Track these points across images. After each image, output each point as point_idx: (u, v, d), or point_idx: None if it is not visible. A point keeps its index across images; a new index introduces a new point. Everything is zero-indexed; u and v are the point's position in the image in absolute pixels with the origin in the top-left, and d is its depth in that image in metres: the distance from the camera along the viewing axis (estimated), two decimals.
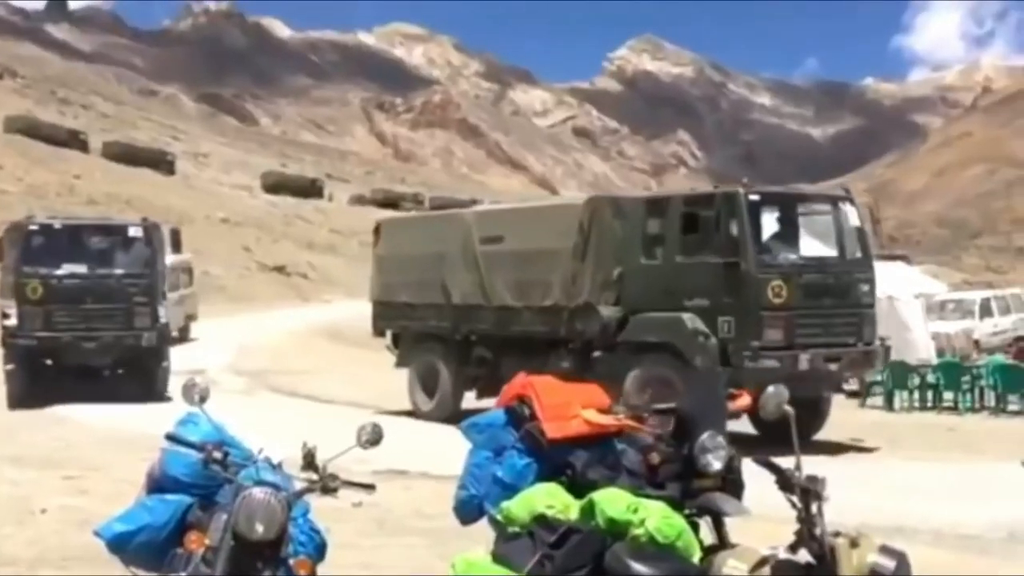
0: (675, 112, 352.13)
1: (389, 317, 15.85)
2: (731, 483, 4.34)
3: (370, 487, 3.96)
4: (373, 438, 3.97)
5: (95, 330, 15.82)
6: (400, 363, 15.51)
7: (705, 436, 4.27)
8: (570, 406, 4.53)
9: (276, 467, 4.04)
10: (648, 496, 4.09)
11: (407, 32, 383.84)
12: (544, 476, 4.38)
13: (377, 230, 16.53)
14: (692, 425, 4.35)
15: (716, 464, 4.27)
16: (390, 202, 74.26)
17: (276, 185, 72.30)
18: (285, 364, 21.76)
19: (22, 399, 15.27)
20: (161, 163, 67.92)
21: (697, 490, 4.27)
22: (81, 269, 16.16)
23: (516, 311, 13.57)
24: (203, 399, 4.11)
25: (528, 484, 4.33)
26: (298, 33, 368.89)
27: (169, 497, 4.18)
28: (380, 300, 15.99)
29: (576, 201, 14.06)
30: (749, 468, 4.16)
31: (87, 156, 61.95)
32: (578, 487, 4.25)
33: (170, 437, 4.06)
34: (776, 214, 12.21)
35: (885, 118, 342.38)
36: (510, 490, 4.33)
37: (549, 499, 4.15)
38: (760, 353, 11.35)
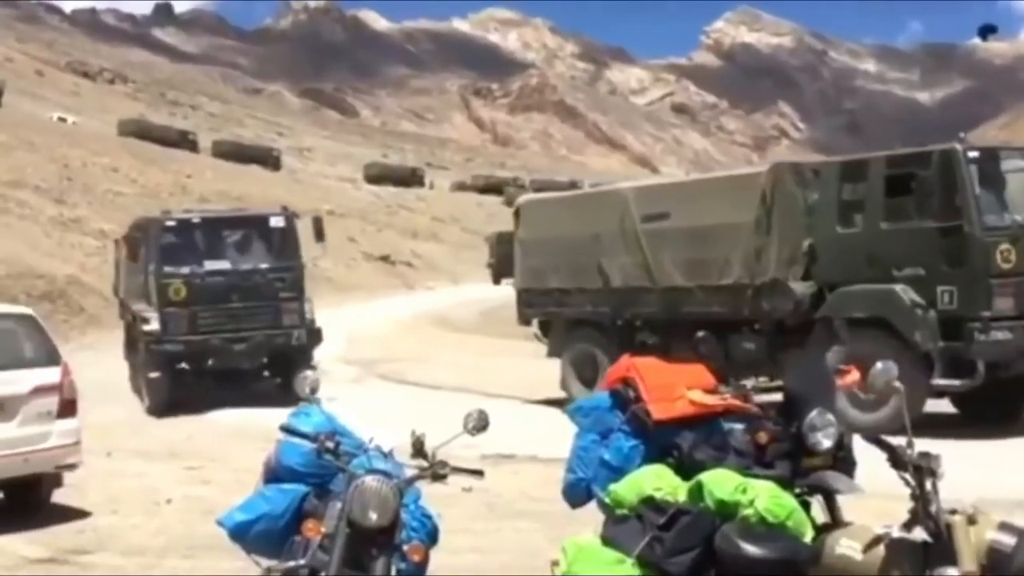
0: (775, 84, 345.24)
1: (537, 304, 14.75)
2: (842, 461, 4.26)
3: (479, 472, 4.02)
4: (480, 424, 4.02)
5: (243, 330, 14.69)
6: (552, 352, 14.51)
7: (814, 414, 4.19)
8: (675, 387, 4.49)
9: (387, 455, 4.13)
10: (757, 476, 4.05)
11: (501, 17, 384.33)
12: (651, 458, 4.36)
13: (517, 213, 15.23)
14: (800, 403, 4.28)
15: (826, 442, 4.19)
16: (491, 187, 74.70)
17: (378, 176, 73.29)
18: (393, 352, 22.08)
19: (167, 407, 14.40)
20: (268, 159, 69.53)
21: (807, 469, 4.20)
22: (224, 265, 14.95)
23: (688, 292, 12.56)
24: (314, 390, 4.23)
25: (635, 466, 4.32)
26: (394, 24, 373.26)
27: (286, 486, 4.31)
28: (526, 287, 14.80)
29: (756, 171, 12.98)
30: (860, 445, 4.10)
31: (197, 156, 63.74)
32: (685, 468, 4.23)
33: (284, 428, 4.18)
34: (991, 173, 10.85)
35: (996, 78, 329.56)
36: (617, 472, 4.33)
37: (657, 481, 4.15)
38: (990, 325, 10.23)
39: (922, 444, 3.58)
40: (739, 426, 4.37)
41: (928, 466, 3.50)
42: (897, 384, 3.78)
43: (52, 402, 7.97)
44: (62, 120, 67.55)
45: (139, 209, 32.68)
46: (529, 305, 14.90)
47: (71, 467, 8.25)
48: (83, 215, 36.26)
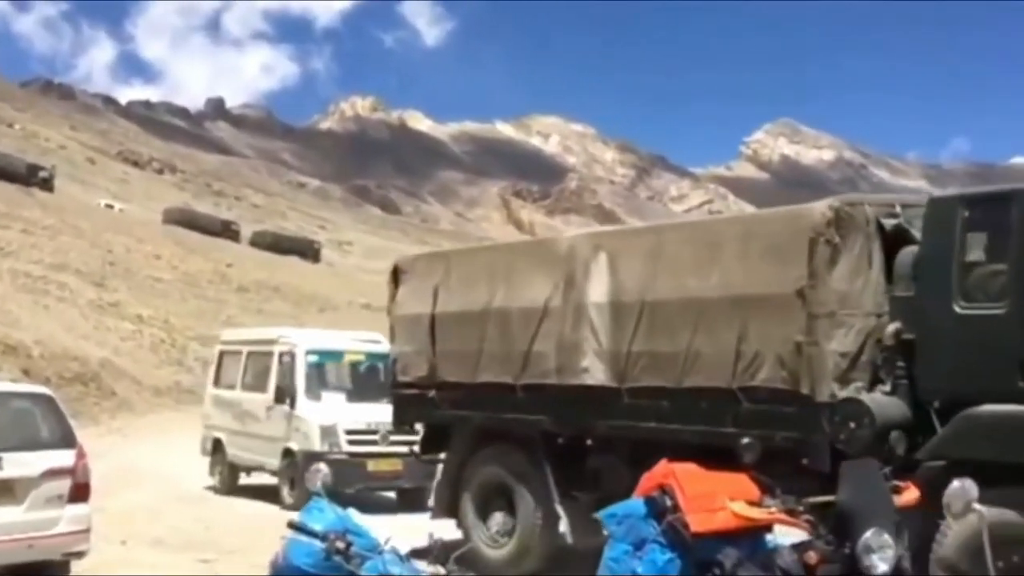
0: (813, 195, 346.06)
1: None
2: None
3: None
4: (503, 530, 3.75)
5: None
6: None
7: (869, 533, 3.90)
8: (716, 497, 4.22)
9: (403, 558, 3.89)
10: None
11: (543, 122, 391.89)
12: (688, 573, 4.08)
13: None
14: (855, 520, 3.97)
15: (883, 566, 3.87)
16: None
17: None
18: None
19: None
20: (308, 251, 70.62)
21: None
22: None
23: None
24: (325, 484, 3.97)
25: None
26: (439, 125, 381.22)
27: None
28: None
29: None
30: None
31: (238, 245, 64.66)
32: None
33: (293, 525, 3.91)
34: None
35: None
36: None
37: None
38: None
39: None
40: (786, 543, 4.06)
41: None
42: (978, 507, 3.44)
43: (64, 486, 7.70)
44: (109, 207, 68.99)
45: (177, 295, 32.77)
46: None
47: (79, 555, 7.93)
48: (122, 299, 36.56)
